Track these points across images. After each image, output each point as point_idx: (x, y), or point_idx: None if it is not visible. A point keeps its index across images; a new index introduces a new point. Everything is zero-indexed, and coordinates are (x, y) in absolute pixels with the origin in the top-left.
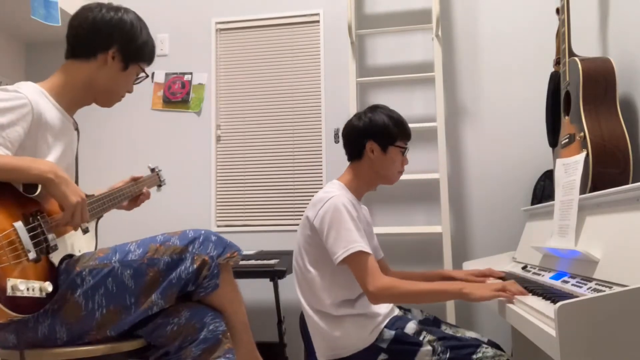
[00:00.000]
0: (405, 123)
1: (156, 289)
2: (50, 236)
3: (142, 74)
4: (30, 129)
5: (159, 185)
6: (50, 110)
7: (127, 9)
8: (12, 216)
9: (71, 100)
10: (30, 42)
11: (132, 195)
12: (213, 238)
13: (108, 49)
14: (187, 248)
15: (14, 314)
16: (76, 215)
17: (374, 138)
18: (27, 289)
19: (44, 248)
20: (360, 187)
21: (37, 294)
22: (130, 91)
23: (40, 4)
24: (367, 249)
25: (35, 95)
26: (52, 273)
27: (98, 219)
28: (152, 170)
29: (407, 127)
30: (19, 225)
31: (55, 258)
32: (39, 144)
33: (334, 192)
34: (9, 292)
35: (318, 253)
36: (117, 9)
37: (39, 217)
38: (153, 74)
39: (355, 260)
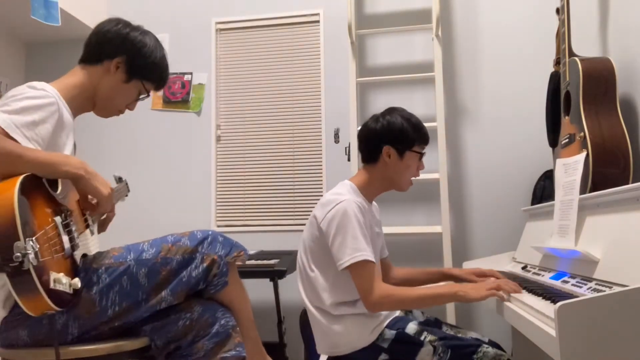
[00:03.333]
0: (423, 127)
1: (167, 286)
2: (76, 234)
3: (145, 94)
4: (55, 127)
5: (125, 196)
6: (64, 110)
7: (149, 32)
8: (50, 211)
9: (78, 105)
10: (30, 42)
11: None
12: (220, 239)
13: (113, 58)
14: (197, 248)
15: (55, 307)
16: (111, 205)
17: (392, 143)
18: (65, 284)
19: (75, 245)
20: (372, 190)
21: (68, 289)
22: (131, 108)
23: (40, 4)
24: (371, 258)
25: (57, 96)
26: (75, 270)
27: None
28: (120, 179)
29: (425, 130)
30: (58, 220)
31: (78, 256)
32: (57, 142)
33: (345, 196)
34: (52, 285)
35: (323, 254)
36: (137, 28)
37: (68, 214)
38: None
39: (358, 268)
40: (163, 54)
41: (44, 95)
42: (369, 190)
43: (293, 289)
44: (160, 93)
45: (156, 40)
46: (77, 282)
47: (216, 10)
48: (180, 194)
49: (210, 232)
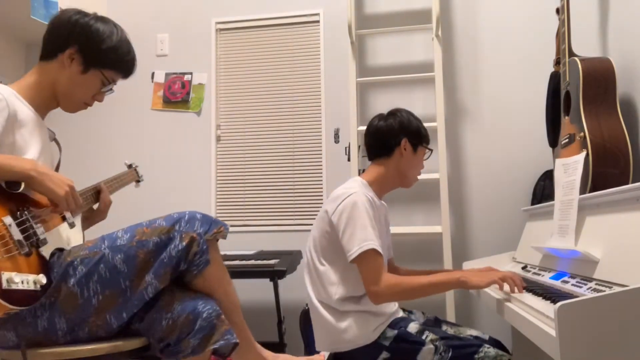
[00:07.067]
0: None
1: (149, 269)
2: (39, 230)
3: (108, 84)
4: (7, 126)
5: (137, 181)
6: (23, 108)
7: (104, 18)
8: (0, 212)
9: (40, 102)
10: (30, 42)
11: (111, 192)
12: (198, 216)
13: (65, 49)
14: (174, 227)
15: (11, 306)
16: (70, 203)
17: (409, 136)
18: (22, 282)
19: (35, 242)
20: (383, 185)
21: (31, 287)
22: (99, 100)
23: (40, 4)
24: (379, 248)
25: (8, 94)
26: (43, 266)
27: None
28: (129, 166)
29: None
30: (8, 220)
31: (46, 252)
32: (16, 141)
33: (355, 189)
34: (5, 285)
35: (333, 248)
36: (88, 14)
37: (26, 211)
38: (153, 73)
39: (366, 258)
40: (121, 37)
41: None
42: (380, 186)
43: (293, 289)
44: (160, 93)
45: (114, 25)
46: (41, 278)
47: (216, 10)
48: (180, 194)
49: (187, 212)
